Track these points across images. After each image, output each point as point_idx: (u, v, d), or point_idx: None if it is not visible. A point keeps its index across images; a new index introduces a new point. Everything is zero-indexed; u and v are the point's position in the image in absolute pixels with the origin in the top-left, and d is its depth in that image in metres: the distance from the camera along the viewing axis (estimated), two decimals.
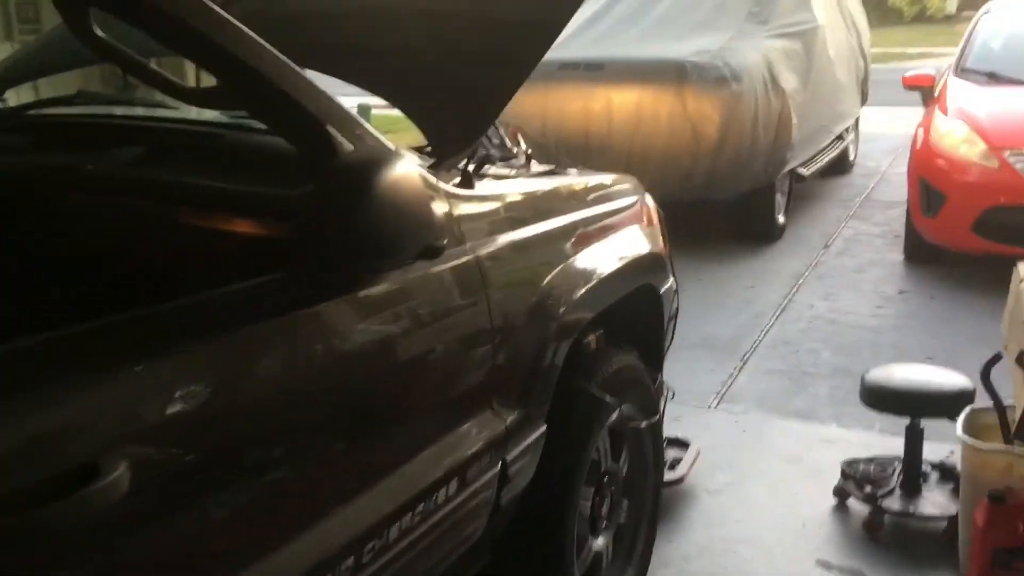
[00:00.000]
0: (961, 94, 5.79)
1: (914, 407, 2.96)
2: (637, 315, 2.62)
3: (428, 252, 1.55)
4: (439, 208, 1.68)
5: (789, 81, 6.32)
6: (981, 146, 5.25)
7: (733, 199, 6.18)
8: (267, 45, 1.40)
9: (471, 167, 1.96)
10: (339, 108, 1.55)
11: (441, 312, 1.75)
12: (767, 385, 4.17)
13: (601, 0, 6.73)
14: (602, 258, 2.33)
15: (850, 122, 8.41)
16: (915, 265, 5.77)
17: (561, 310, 2.09)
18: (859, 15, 8.89)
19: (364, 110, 9.83)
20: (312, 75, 1.54)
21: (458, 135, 1.90)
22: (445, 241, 1.62)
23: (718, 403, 4.02)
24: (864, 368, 4.24)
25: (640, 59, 6.09)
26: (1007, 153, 5.15)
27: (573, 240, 2.24)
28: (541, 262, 2.09)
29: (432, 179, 1.75)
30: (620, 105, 5.95)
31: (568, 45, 6.57)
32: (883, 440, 3.56)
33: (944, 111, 5.68)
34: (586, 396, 2.24)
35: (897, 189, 7.97)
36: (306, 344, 1.46)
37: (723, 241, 6.47)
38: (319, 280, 1.45)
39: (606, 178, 2.61)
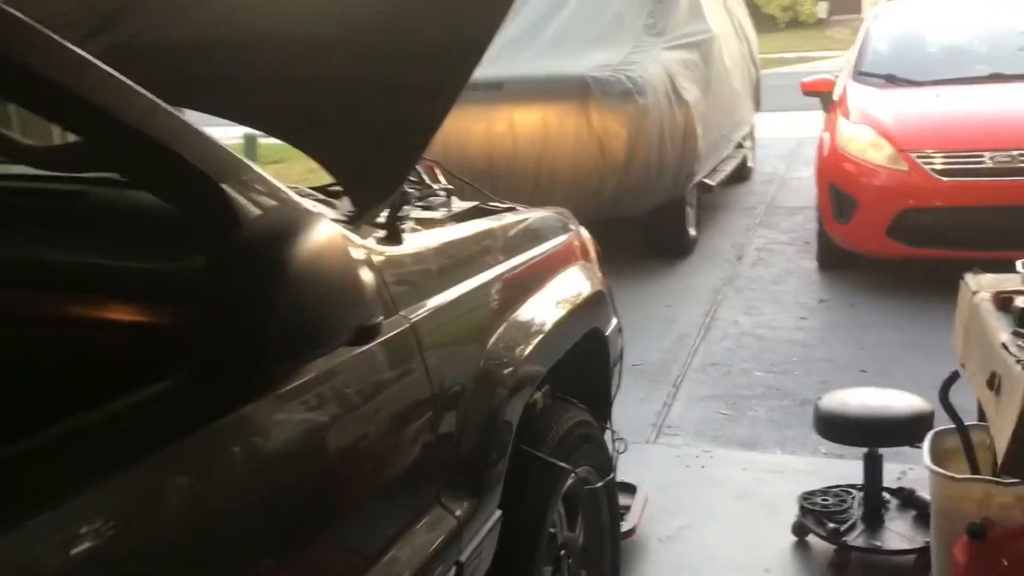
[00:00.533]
0: (862, 98, 5.78)
1: (874, 437, 2.79)
2: (582, 362, 2.36)
3: (361, 335, 1.25)
4: (367, 276, 1.37)
5: (691, 92, 6.21)
6: (888, 150, 5.22)
7: (644, 215, 6.01)
8: (140, 89, 1.08)
9: (395, 217, 1.66)
10: (237, 162, 1.23)
11: (375, 400, 1.44)
12: (704, 412, 3.97)
13: None
14: (546, 307, 2.07)
15: (747, 129, 8.42)
16: (830, 272, 5.71)
17: (509, 372, 1.81)
18: (747, 23, 8.94)
19: (250, 141, 9.35)
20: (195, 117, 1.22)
21: (379, 178, 1.60)
22: (380, 318, 1.31)
23: (656, 436, 3.80)
24: (799, 385, 4.13)
25: (541, 76, 5.88)
26: (915, 155, 5.13)
27: (514, 290, 1.96)
28: (483, 321, 1.81)
29: (356, 239, 1.45)
30: (523, 125, 5.73)
31: None
32: (832, 465, 3.40)
33: (847, 116, 5.65)
34: (539, 466, 1.96)
35: (798, 194, 8.01)
36: (218, 465, 1.14)
37: (636, 258, 6.30)
38: (226, 386, 1.13)
39: (538, 214, 2.35)
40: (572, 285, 2.25)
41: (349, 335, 1.21)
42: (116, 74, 1.06)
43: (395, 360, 1.49)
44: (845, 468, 3.20)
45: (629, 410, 3.94)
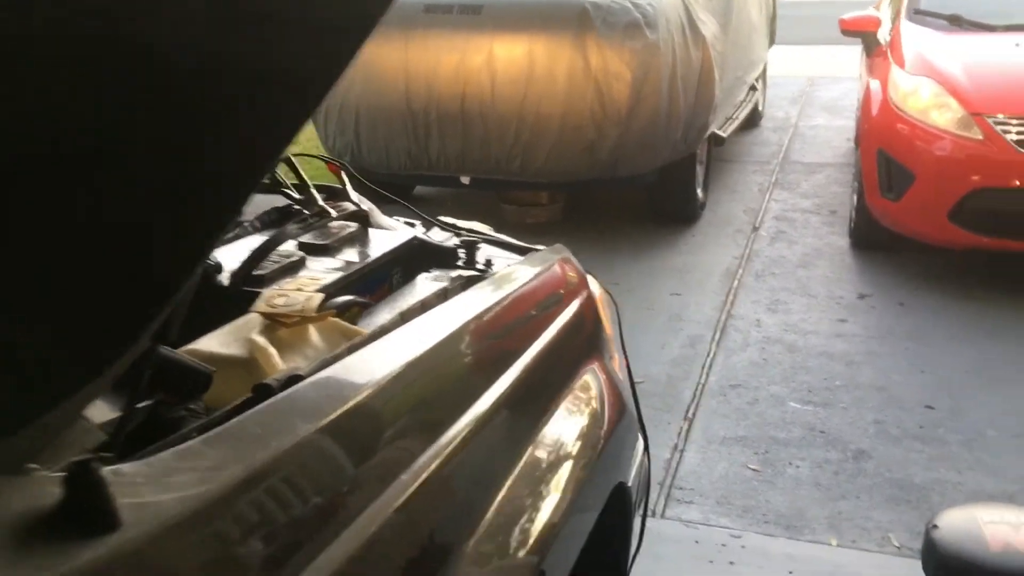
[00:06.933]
0: (922, 43, 4.72)
1: None
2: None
3: None
4: None
5: (708, 26, 5.12)
6: (957, 111, 4.19)
7: (646, 175, 4.96)
8: None
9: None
10: None
11: None
12: (727, 466, 3.02)
13: None
14: (543, 488, 1.06)
15: (761, 69, 7.32)
16: (869, 256, 4.72)
17: None
18: None
19: None
20: None
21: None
22: None
23: (665, 503, 2.85)
24: (849, 426, 3.14)
25: None
26: (991, 120, 4.10)
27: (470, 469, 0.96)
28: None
29: None
30: (505, 59, 4.62)
31: None
32: (907, 565, 2.47)
33: (902, 64, 4.60)
34: None
35: (815, 146, 6.99)
36: None
37: (633, 226, 5.29)
38: None
39: (524, 272, 1.32)
40: (588, 415, 1.23)
41: None
42: None
43: None
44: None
45: None
